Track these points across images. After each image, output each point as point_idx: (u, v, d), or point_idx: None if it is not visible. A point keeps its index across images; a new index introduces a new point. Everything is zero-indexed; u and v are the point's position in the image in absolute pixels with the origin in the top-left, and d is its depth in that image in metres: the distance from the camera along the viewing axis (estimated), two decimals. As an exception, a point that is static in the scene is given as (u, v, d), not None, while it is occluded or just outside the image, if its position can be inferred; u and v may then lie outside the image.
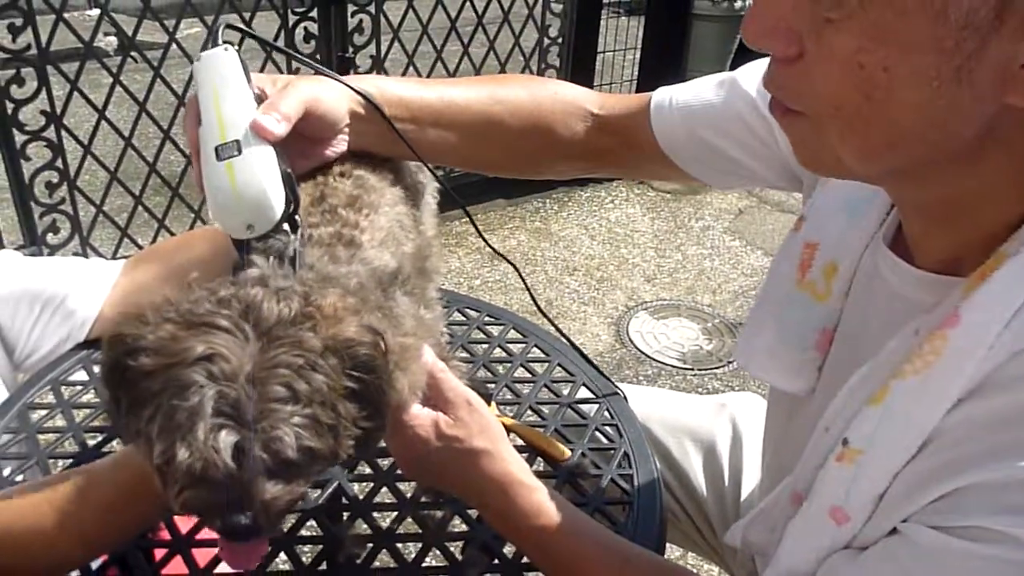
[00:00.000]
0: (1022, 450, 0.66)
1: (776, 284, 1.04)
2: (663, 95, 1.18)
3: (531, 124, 1.18)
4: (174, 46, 3.15)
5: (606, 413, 1.34)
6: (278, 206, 0.88)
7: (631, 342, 3.36)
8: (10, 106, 2.87)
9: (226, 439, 0.68)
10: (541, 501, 0.97)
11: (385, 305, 0.91)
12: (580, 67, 4.34)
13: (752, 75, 1.10)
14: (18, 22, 2.75)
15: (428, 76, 3.80)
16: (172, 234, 3.42)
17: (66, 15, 2.87)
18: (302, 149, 1.01)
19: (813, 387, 1.00)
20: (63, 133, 3.03)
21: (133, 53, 3.12)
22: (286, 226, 0.90)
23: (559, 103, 1.20)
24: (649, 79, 4.75)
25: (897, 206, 0.88)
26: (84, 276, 1.35)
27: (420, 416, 0.96)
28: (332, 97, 1.03)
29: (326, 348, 0.75)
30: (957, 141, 0.69)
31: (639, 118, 1.19)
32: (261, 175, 0.86)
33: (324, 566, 1.07)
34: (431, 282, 1.10)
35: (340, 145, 1.05)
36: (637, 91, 4.83)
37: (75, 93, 2.98)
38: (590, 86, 4.49)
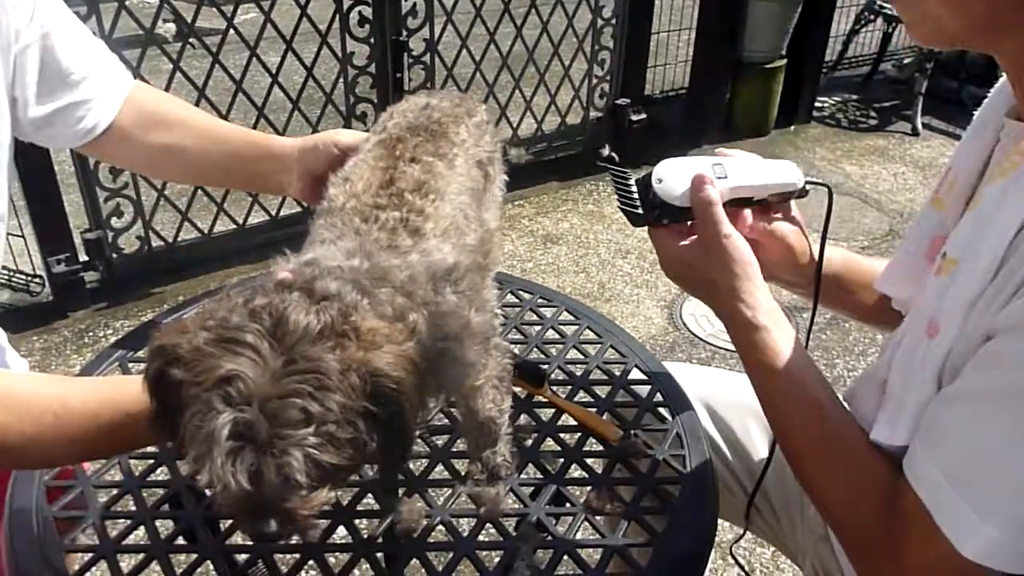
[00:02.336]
0: None
1: (920, 212, 1.12)
2: None
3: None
4: (231, 32, 3.20)
5: (658, 395, 1.35)
6: (676, 200, 1.07)
7: (684, 325, 3.35)
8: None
9: (241, 463, 0.71)
10: (784, 340, 1.02)
11: (432, 301, 0.93)
12: (634, 48, 4.31)
13: None
14: (82, 11, 2.82)
15: (481, 58, 3.81)
16: (231, 217, 3.49)
17: (127, 3, 2.93)
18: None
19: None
20: (126, 119, 3.09)
21: (192, 39, 3.18)
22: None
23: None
24: (704, 60, 4.71)
25: (1002, 67, 0.93)
26: None
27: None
28: (804, 248, 1.21)
29: (347, 369, 0.76)
30: None
31: None
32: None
33: (381, 540, 1.10)
34: (489, 273, 1.12)
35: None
36: (691, 74, 4.83)
37: (137, 80, 3.04)
38: (644, 68, 4.50)
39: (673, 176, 1.07)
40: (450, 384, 1.04)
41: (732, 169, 1.10)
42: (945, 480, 0.81)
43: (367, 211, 0.98)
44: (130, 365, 1.35)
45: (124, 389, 0.92)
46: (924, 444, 0.86)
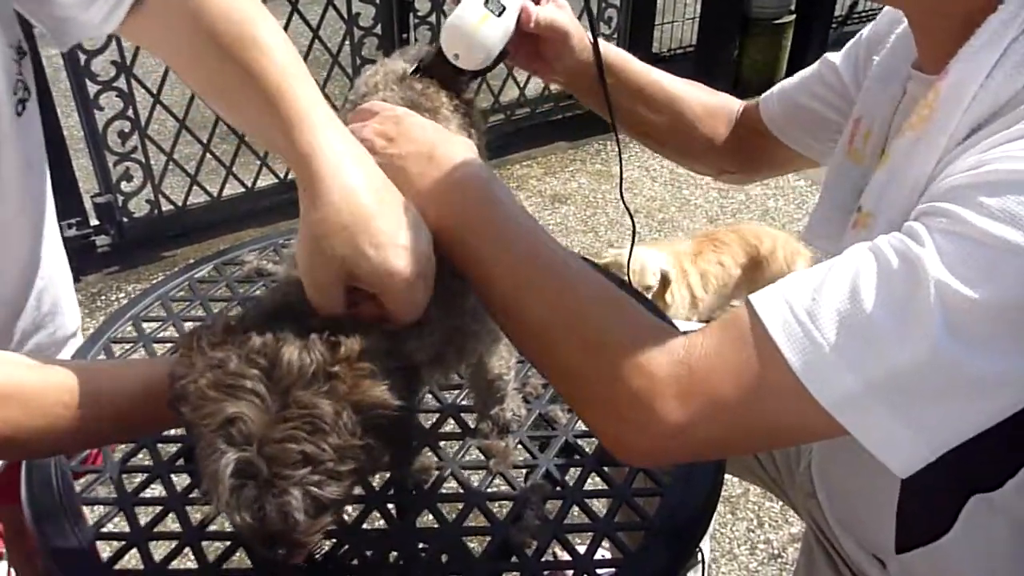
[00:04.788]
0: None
1: (833, 162, 1.10)
2: (773, 87, 1.34)
3: (702, 122, 1.40)
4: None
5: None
6: (484, 63, 1.12)
7: (693, 283, 3.35)
8: (82, 57, 2.94)
9: (244, 497, 0.74)
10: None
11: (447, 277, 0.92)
12: (641, 6, 4.28)
13: (840, 52, 1.22)
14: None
15: (488, 18, 3.78)
16: (239, 180, 3.49)
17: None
18: (532, 51, 1.24)
19: None
20: (133, 83, 3.10)
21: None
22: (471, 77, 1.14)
23: (723, 108, 1.41)
24: (712, 17, 4.67)
25: (911, 26, 0.93)
26: None
27: None
28: (580, 35, 1.26)
29: (339, 412, 0.77)
30: None
31: (755, 109, 1.35)
32: (497, 38, 1.11)
33: (393, 492, 1.12)
34: None
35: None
36: (698, 31, 4.78)
37: (143, 42, 3.04)
38: (651, 25, 4.45)
39: (465, 48, 1.09)
40: (470, 354, 1.06)
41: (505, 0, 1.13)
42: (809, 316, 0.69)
43: None
44: (144, 325, 1.37)
45: (131, 373, 0.91)
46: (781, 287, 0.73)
